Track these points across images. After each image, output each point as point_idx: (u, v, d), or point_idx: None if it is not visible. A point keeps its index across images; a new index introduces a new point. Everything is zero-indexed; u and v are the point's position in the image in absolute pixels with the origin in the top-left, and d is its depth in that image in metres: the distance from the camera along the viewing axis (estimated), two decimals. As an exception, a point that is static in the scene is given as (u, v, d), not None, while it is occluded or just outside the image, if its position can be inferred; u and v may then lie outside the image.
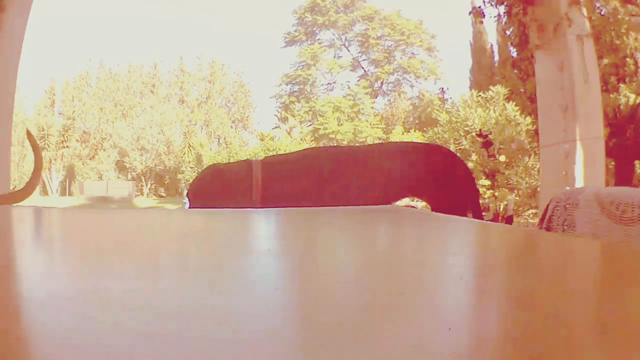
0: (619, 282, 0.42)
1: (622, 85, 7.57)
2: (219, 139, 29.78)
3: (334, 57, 25.10)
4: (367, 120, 19.38)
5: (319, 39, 24.89)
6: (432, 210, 2.08)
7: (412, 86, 24.37)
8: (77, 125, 26.33)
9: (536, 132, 6.82)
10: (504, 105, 9.70)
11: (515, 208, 9.19)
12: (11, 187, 6.14)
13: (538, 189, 7.15)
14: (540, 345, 0.24)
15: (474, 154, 9.47)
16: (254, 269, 0.45)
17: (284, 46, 25.49)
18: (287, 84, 25.29)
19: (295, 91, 25.11)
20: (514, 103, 9.46)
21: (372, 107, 21.71)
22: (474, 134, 9.61)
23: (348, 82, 24.64)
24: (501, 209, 9.18)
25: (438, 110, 13.60)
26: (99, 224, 0.78)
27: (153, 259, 0.51)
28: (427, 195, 2.13)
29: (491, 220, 8.64)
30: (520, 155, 9.24)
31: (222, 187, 1.97)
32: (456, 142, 9.95)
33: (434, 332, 0.27)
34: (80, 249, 0.54)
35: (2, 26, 4.38)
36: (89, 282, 0.38)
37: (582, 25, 4.60)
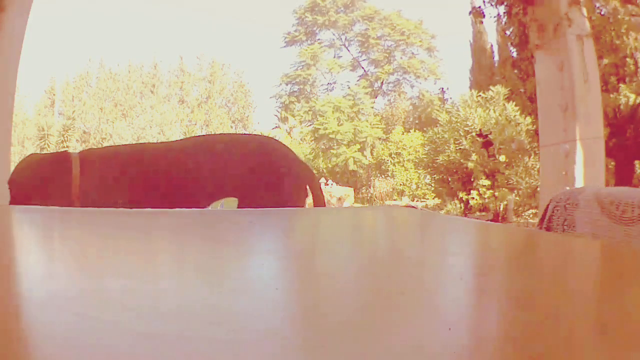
0: (619, 282, 0.42)
1: (622, 85, 7.56)
2: (219, 139, 29.74)
3: (334, 57, 25.08)
4: (367, 120, 19.37)
5: (319, 39, 24.87)
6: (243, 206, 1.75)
7: (412, 86, 24.35)
8: (77, 125, 26.32)
9: (536, 132, 6.82)
10: (504, 105, 9.70)
11: (515, 208, 9.19)
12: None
13: (538, 189, 7.15)
14: (540, 345, 0.24)
15: (474, 154, 9.47)
16: (254, 269, 0.45)
17: (284, 46, 25.47)
18: (287, 84, 25.27)
19: (295, 91, 25.10)
20: (514, 103, 9.46)
21: (372, 107, 21.70)
22: (474, 134, 9.61)
23: (348, 82, 24.62)
24: (501, 209, 9.18)
25: (438, 110, 13.60)
26: (98, 224, 0.78)
27: (153, 259, 0.51)
28: (243, 191, 1.81)
29: (491, 220, 8.64)
30: (520, 155, 9.24)
31: (39, 181, 1.72)
32: (456, 142, 9.95)
33: (434, 332, 0.27)
34: (80, 249, 0.54)
35: (2, 26, 4.38)
36: (89, 282, 0.38)
37: (582, 25, 4.60)
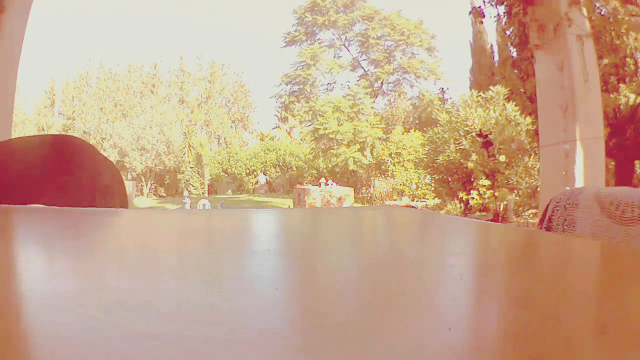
0: (619, 282, 0.42)
1: (622, 85, 7.57)
2: (219, 139, 29.80)
3: (334, 57, 25.10)
4: (367, 120, 19.37)
5: (318, 39, 24.89)
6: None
7: (412, 86, 24.38)
8: (77, 125, 26.35)
9: (536, 132, 6.82)
10: (504, 105, 9.70)
11: (515, 208, 9.19)
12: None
13: (538, 189, 7.15)
14: (540, 345, 0.24)
15: (474, 154, 9.47)
16: (254, 269, 0.45)
17: (284, 46, 25.48)
18: (287, 84, 25.28)
19: (295, 91, 25.11)
20: (514, 103, 9.46)
21: (372, 107, 21.70)
22: (474, 134, 9.61)
23: (348, 82, 24.64)
24: (501, 209, 9.19)
25: (438, 110, 13.60)
26: (98, 224, 0.78)
27: (153, 259, 0.51)
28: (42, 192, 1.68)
29: (491, 220, 8.64)
30: (520, 155, 9.24)
31: None
32: (456, 142, 9.95)
33: (434, 332, 0.27)
34: (80, 249, 0.54)
35: (2, 26, 4.38)
36: (89, 282, 0.38)
37: (582, 25, 4.60)
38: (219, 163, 24.47)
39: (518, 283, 0.40)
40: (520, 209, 9.37)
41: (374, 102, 22.80)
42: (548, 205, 1.56)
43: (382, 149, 18.17)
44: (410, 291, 0.36)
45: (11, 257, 0.49)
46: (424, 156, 11.99)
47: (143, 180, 24.21)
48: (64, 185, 1.72)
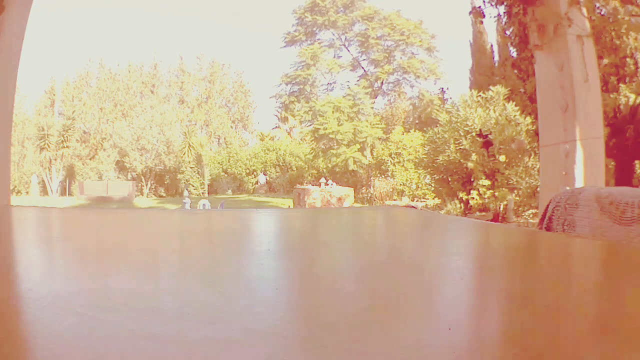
0: (619, 282, 0.42)
1: (622, 85, 7.56)
2: (219, 139, 29.79)
3: (334, 57, 25.09)
4: (367, 120, 19.36)
5: (318, 39, 24.88)
6: None
7: (412, 86, 24.36)
8: (77, 125, 26.32)
9: (536, 132, 6.82)
10: (504, 105, 9.69)
11: (515, 208, 9.19)
12: (11, 187, 6.15)
13: (538, 189, 7.15)
14: (540, 345, 0.24)
15: (474, 154, 9.46)
16: (254, 269, 0.45)
17: (284, 46, 25.47)
18: (287, 84, 25.27)
19: (295, 91, 25.10)
20: (514, 103, 9.45)
21: (372, 107, 21.70)
22: (474, 134, 9.60)
23: (348, 82, 24.63)
24: (501, 209, 9.19)
25: (438, 110, 13.59)
26: (99, 224, 0.78)
27: (153, 258, 0.51)
28: None
29: (491, 220, 8.64)
30: (520, 155, 9.24)
31: None
32: (456, 142, 9.94)
33: (434, 332, 0.27)
34: (81, 249, 0.54)
35: (2, 26, 4.38)
36: (89, 282, 0.38)
37: (582, 25, 4.60)
38: (219, 163, 24.46)
39: (518, 283, 0.40)
40: (520, 209, 9.36)
41: (373, 102, 22.79)
42: (548, 205, 1.56)
43: (382, 149, 18.16)
44: (410, 291, 0.36)
45: (11, 257, 0.49)
46: (424, 156, 11.98)
47: (143, 180, 24.20)
48: None
